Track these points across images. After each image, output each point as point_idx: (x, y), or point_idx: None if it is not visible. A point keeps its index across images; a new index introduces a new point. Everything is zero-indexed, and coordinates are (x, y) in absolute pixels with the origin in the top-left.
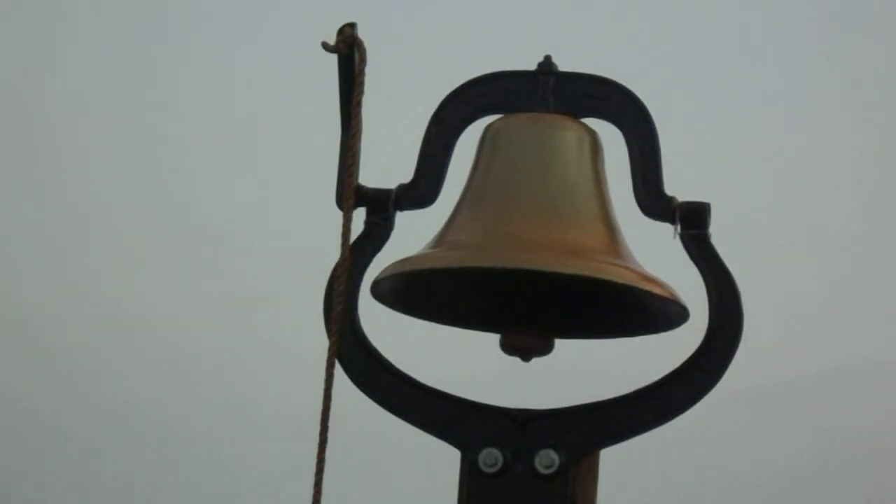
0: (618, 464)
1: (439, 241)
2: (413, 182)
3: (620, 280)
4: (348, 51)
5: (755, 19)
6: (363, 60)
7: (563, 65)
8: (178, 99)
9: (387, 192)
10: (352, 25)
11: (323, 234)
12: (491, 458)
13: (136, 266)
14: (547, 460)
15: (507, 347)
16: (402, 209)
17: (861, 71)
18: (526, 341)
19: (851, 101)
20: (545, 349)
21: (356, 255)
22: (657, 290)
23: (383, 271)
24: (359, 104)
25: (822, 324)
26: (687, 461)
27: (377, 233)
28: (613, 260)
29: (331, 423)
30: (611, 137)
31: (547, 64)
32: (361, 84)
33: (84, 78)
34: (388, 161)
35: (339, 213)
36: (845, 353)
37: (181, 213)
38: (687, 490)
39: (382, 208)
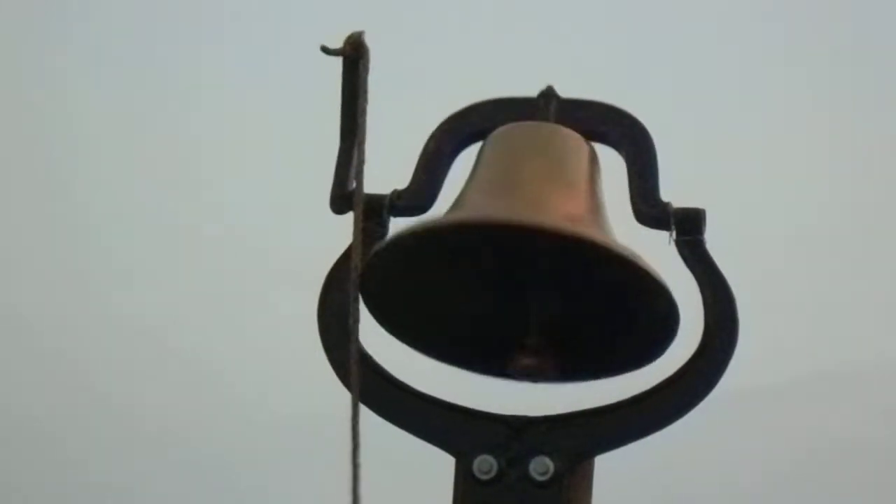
0: (612, 471)
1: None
2: (408, 189)
3: (622, 251)
4: (354, 55)
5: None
6: (367, 69)
7: (565, 83)
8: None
9: (381, 197)
10: (360, 33)
11: (312, 236)
12: (486, 464)
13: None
14: (542, 467)
15: (519, 368)
16: (396, 215)
17: (859, 73)
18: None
19: (848, 102)
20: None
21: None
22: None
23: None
24: (364, 111)
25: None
26: (679, 466)
27: (372, 237)
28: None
29: (324, 429)
30: (611, 160)
31: (549, 93)
32: (366, 92)
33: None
34: (381, 164)
35: (330, 215)
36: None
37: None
38: (681, 494)
39: (377, 213)
